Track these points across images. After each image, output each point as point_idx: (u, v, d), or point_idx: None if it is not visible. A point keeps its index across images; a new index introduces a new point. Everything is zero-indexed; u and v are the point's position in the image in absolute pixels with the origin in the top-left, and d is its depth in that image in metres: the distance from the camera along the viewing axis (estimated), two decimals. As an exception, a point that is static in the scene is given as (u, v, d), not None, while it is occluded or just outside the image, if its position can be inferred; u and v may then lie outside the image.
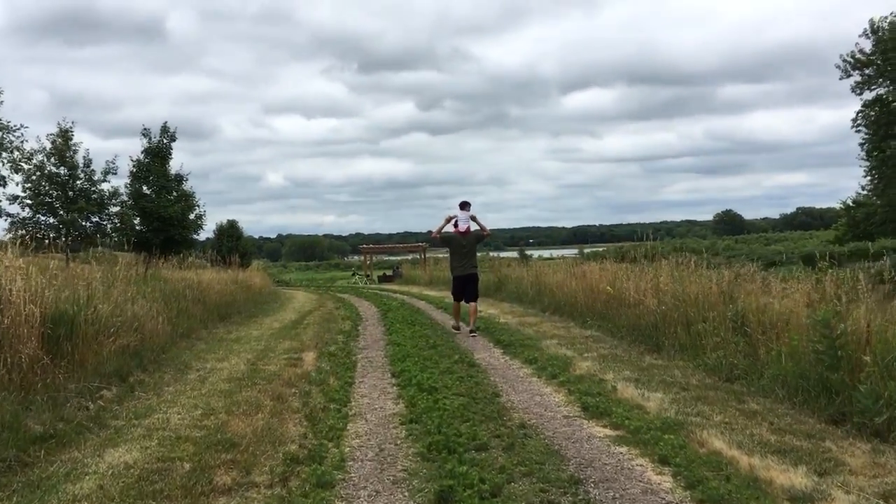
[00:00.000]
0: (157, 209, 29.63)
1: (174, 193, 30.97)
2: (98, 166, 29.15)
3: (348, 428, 5.55)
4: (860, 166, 48.44)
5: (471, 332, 11.01)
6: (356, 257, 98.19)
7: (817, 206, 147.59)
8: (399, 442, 5.15)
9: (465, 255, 11.60)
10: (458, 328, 11.55)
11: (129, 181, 30.57)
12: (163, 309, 10.13)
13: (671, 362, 8.07)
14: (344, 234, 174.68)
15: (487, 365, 8.32)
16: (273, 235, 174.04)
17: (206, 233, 46.45)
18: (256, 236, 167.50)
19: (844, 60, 34.78)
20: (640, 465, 4.53)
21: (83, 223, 28.85)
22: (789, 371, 6.21)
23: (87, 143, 55.63)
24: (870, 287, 6.88)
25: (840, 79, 35.40)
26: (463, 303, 11.73)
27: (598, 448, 4.91)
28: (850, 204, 59.86)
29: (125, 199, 30.02)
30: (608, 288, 11.55)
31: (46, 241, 28.43)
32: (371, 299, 20.42)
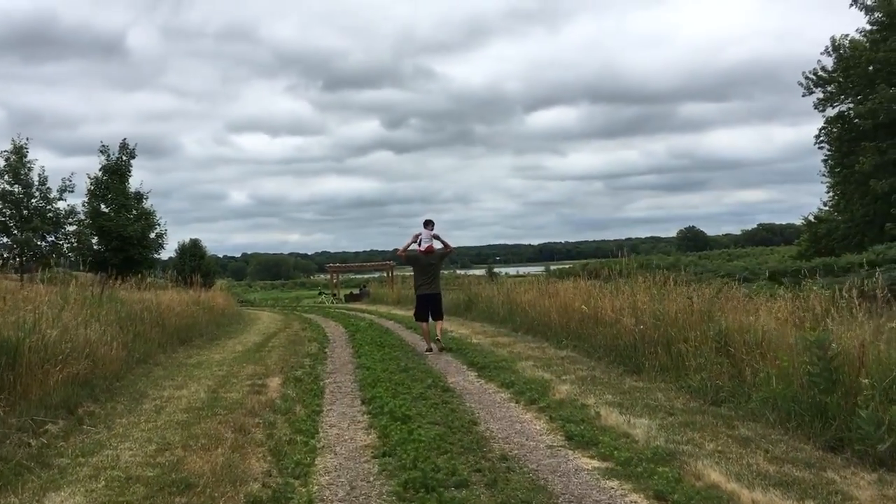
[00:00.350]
0: (116, 228, 28.85)
1: (134, 212, 30.19)
2: (54, 184, 28.37)
3: (316, 463, 5.13)
4: (822, 182, 49.18)
5: (438, 346, 11.27)
6: (322, 276, 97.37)
7: (778, 223, 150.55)
8: (372, 479, 4.75)
9: (428, 274, 11.75)
10: (431, 349, 11.31)
11: (86, 199, 29.77)
12: (118, 333, 9.59)
13: (653, 384, 7.77)
14: (310, 253, 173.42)
15: (462, 389, 7.94)
16: (238, 254, 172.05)
17: (168, 252, 45.62)
18: (221, 255, 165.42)
19: (807, 77, 35.23)
20: (635, 502, 4.19)
21: (38, 243, 28.02)
22: (780, 394, 5.93)
23: (47, 161, 54.04)
24: (858, 304, 6.66)
25: (803, 95, 35.82)
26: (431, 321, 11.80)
27: (586, 482, 4.56)
28: (812, 220, 60.86)
29: (82, 217, 29.28)
30: (583, 307, 11.27)
31: (-1, 261, 27.62)
32: (338, 319, 19.93)
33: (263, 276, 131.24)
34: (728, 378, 6.94)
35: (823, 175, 50.23)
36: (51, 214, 27.44)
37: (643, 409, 6.51)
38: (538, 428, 6.03)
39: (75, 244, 28.29)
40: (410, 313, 20.54)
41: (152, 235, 30.45)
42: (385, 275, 48.50)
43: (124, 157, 30.02)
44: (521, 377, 8.42)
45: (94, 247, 29.31)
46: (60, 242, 27.87)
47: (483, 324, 16.33)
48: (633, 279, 11.78)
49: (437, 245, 11.78)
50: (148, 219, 30.17)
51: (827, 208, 54.36)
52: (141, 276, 22.87)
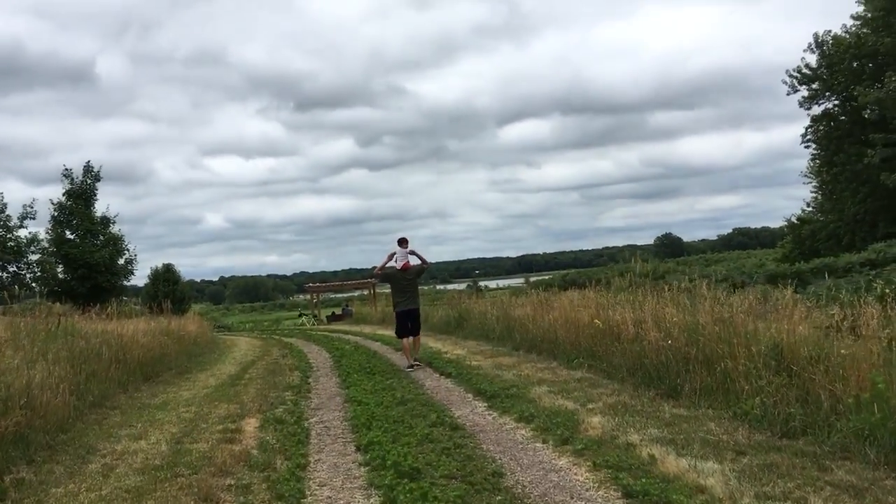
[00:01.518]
0: (83, 255, 27.34)
1: (101, 238, 28.73)
2: (14, 211, 26.83)
3: (305, 548, 3.89)
4: (805, 183, 48.72)
5: (413, 362, 11.41)
6: (302, 297, 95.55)
7: (753, 227, 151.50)
8: (381, 573, 3.51)
9: (406, 291, 11.86)
10: (412, 367, 11.31)
11: (50, 227, 28.27)
12: (67, 373, 8.27)
13: (698, 411, 6.60)
14: (288, 274, 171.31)
15: (474, 426, 6.72)
16: (215, 278, 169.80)
17: (141, 279, 43.96)
18: (198, 279, 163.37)
19: (791, 76, 34.63)
20: None
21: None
22: (878, 424, 4.78)
23: (17, 192, 52.43)
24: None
25: (787, 94, 35.23)
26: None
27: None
28: (795, 221, 60.45)
29: (46, 245, 27.77)
30: (596, 321, 10.10)
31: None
32: (321, 343, 18.61)
33: (242, 299, 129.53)
34: (797, 403, 5.78)
35: (806, 176, 49.83)
36: (11, 244, 25.96)
37: (703, 448, 5.32)
38: (581, 480, 4.82)
39: (39, 274, 26.77)
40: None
41: (121, 262, 29.03)
42: (367, 293, 47.12)
43: (89, 181, 28.60)
44: (541, 408, 7.22)
45: (60, 276, 27.82)
46: (23, 272, 26.37)
47: (478, 342, 15.12)
48: (642, 287, 10.66)
49: (414, 261, 11.87)
50: (116, 244, 28.74)
51: (810, 209, 53.95)
52: (104, 304, 21.47)
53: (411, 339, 11.75)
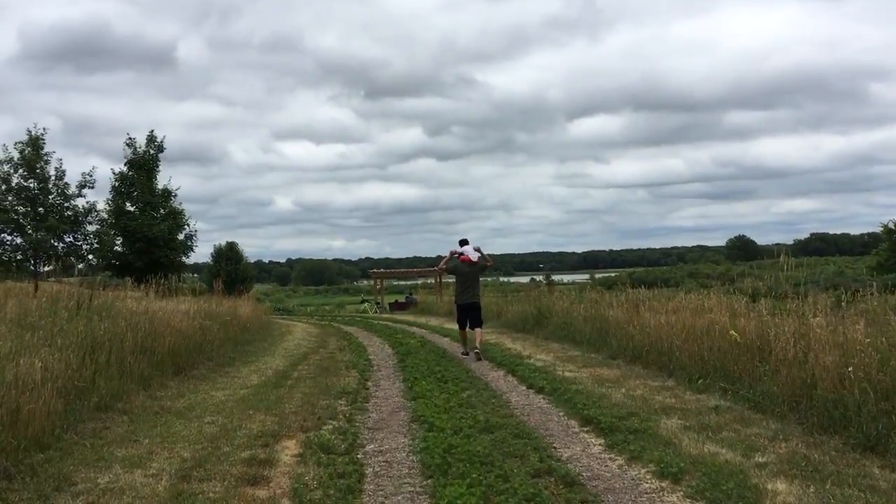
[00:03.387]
0: (141, 228, 26.20)
1: (161, 211, 27.58)
2: (73, 180, 25.91)
3: None
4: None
5: (476, 354, 11.27)
6: (366, 282, 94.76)
7: (831, 232, 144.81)
8: None
9: (468, 284, 11.96)
10: (466, 354, 11.60)
11: (110, 197, 27.26)
12: (68, 366, 6.58)
13: (935, 483, 4.43)
14: (353, 259, 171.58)
15: (595, 480, 4.72)
16: (283, 260, 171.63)
17: (203, 256, 43.15)
18: (266, 261, 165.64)
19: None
20: None
21: (55, 243, 25.53)
22: None
23: (101, 169, 51.75)
24: None
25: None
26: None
27: None
28: (892, 227, 56.13)
29: (105, 216, 26.76)
30: (732, 332, 7.91)
31: (13, 263, 25.20)
32: (383, 335, 16.81)
33: (308, 282, 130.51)
34: None
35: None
36: (69, 213, 24.96)
37: None
38: None
39: (96, 245, 25.73)
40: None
41: (181, 237, 27.83)
42: (432, 281, 45.37)
43: (151, 151, 27.45)
44: (685, 455, 5.15)
45: (118, 248, 26.81)
46: (79, 243, 25.35)
47: (563, 345, 13.04)
48: (791, 294, 8.44)
49: (476, 256, 11.87)
50: (176, 219, 27.55)
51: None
52: (157, 280, 20.20)
53: (470, 331, 11.81)
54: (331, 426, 6.49)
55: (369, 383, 9.21)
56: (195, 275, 49.71)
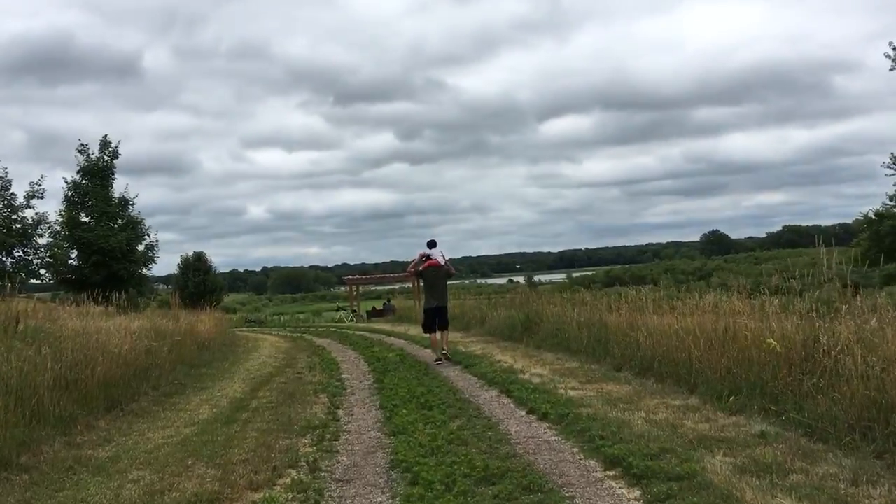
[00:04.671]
0: (97, 240, 24.49)
1: (118, 221, 25.91)
2: (21, 190, 24.17)
3: None
4: (888, 174, 44.27)
5: (443, 354, 11.66)
6: (343, 288, 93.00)
7: (803, 224, 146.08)
8: None
9: (436, 289, 12.24)
10: (440, 360, 11.51)
11: (63, 207, 25.54)
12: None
13: None
14: (330, 266, 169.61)
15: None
16: (258, 268, 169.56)
17: (170, 268, 41.31)
18: (241, 269, 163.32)
19: (895, 47, 30.55)
20: None
21: (2, 258, 23.78)
22: None
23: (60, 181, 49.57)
24: None
25: (891, 69, 31.16)
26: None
27: None
28: (873, 216, 55.63)
29: (57, 228, 25.07)
30: (770, 341, 6.65)
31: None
32: (359, 347, 15.41)
33: (284, 290, 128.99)
34: None
35: (890, 167, 45.35)
36: (18, 225, 23.29)
37: None
38: None
39: (48, 259, 24.05)
40: (451, 338, 16.10)
41: (140, 248, 26.18)
42: (411, 286, 43.96)
43: (106, 158, 25.77)
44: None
45: (72, 262, 25.12)
46: (30, 257, 23.67)
47: (558, 355, 11.76)
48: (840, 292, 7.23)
49: (443, 259, 12.15)
50: (135, 229, 25.89)
51: (892, 203, 49.29)
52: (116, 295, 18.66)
53: (439, 333, 12.00)
54: (289, 480, 5.11)
55: (340, 412, 7.83)
56: (168, 286, 47.89)
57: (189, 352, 12.06)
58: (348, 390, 9.39)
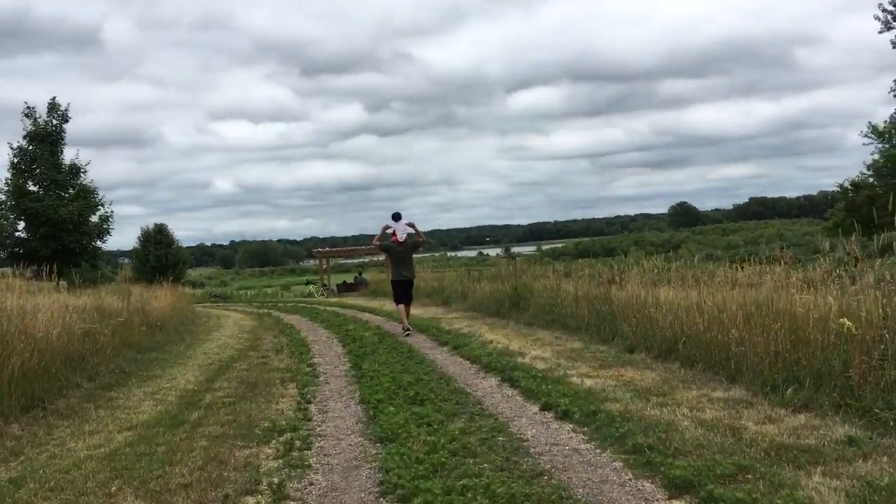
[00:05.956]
0: (46, 210, 22.70)
1: (70, 190, 24.08)
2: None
3: None
4: (865, 144, 43.60)
5: (405, 329, 11.53)
6: (312, 262, 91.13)
7: (769, 196, 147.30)
8: None
9: (401, 262, 12.21)
10: (408, 330, 11.55)
11: (9, 175, 23.63)
12: None
13: None
14: (298, 239, 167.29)
15: None
16: (226, 242, 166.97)
17: (128, 240, 39.41)
18: (209, 244, 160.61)
19: (884, 10, 29.53)
20: None
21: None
22: None
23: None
24: None
25: (880, 32, 30.17)
26: None
27: None
28: (848, 187, 55.16)
29: (2, 198, 23.21)
30: (844, 320, 5.42)
31: None
32: (331, 326, 14.04)
33: (253, 264, 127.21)
34: None
35: (868, 136, 44.65)
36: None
37: None
38: None
39: (-8, 232, 22.23)
40: (432, 314, 14.84)
41: (94, 219, 24.39)
42: (383, 258, 42.49)
43: (55, 122, 23.84)
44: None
45: (19, 234, 23.30)
46: (-29, 230, 21.81)
47: (555, 333, 10.54)
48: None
49: (404, 235, 11.99)
50: (87, 199, 24.07)
51: (869, 173, 48.75)
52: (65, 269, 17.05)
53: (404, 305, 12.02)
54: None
55: (312, 408, 6.51)
56: (127, 259, 45.86)
57: (138, 334, 10.59)
58: (321, 378, 8.05)
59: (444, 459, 4.48)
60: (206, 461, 4.78)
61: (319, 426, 5.81)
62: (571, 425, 5.31)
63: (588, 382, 6.75)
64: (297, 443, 5.24)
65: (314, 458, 4.89)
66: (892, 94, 32.03)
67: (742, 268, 8.74)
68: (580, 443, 4.89)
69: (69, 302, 10.05)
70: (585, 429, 5.17)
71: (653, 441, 4.61)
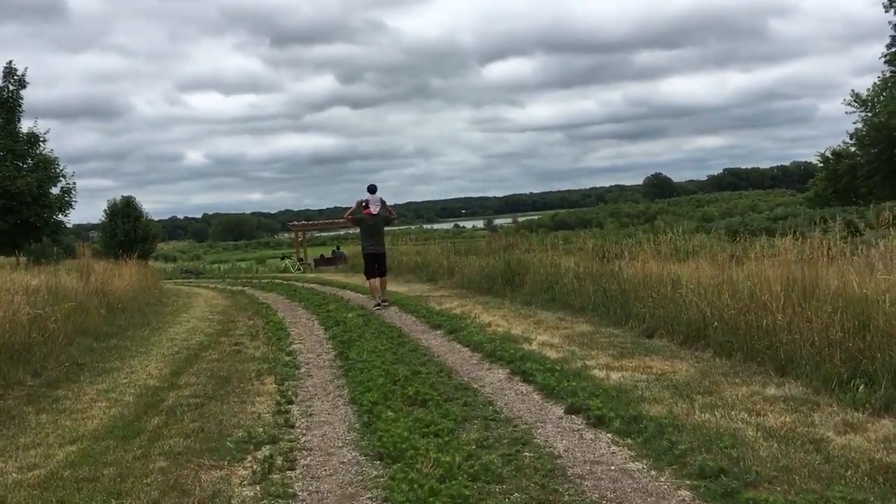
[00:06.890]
0: (3, 182, 21.28)
1: (28, 161, 22.68)
2: None
3: None
4: (848, 112, 43.08)
5: (382, 301, 11.66)
6: (287, 235, 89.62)
7: (743, 167, 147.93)
8: None
9: (373, 235, 12.08)
10: (379, 305, 11.48)
11: (-38, 145, 22.11)
12: None
13: None
14: (272, 212, 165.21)
15: None
16: (199, 215, 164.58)
17: (95, 212, 37.96)
18: (181, 217, 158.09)
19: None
20: None
21: None
22: None
23: None
24: None
25: (885, 10, 29.47)
26: None
27: None
28: (830, 156, 54.65)
29: (-47, 169, 21.73)
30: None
31: None
32: (311, 305, 13.03)
33: (226, 237, 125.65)
34: None
35: (851, 104, 44.01)
36: None
37: None
38: None
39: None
40: (418, 291, 13.92)
41: (54, 191, 23.02)
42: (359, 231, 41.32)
43: (11, 87, 22.33)
44: None
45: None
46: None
47: (556, 314, 9.68)
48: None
49: (377, 208, 11.90)
50: (47, 169, 22.67)
51: (852, 143, 48.20)
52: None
53: (378, 280, 11.97)
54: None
55: (294, 409, 5.54)
56: (96, 233, 44.28)
57: (96, 318, 9.50)
58: (303, 370, 7.08)
59: (464, 489, 3.55)
60: (164, 490, 3.81)
61: (304, 435, 4.85)
62: (610, 435, 4.41)
63: (614, 376, 5.86)
64: (278, 460, 4.28)
65: (299, 484, 3.94)
66: (884, 60, 31.35)
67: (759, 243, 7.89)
68: (627, 460, 3.99)
69: (22, 281, 8.96)
70: (629, 440, 4.26)
71: (722, 461, 3.72)
